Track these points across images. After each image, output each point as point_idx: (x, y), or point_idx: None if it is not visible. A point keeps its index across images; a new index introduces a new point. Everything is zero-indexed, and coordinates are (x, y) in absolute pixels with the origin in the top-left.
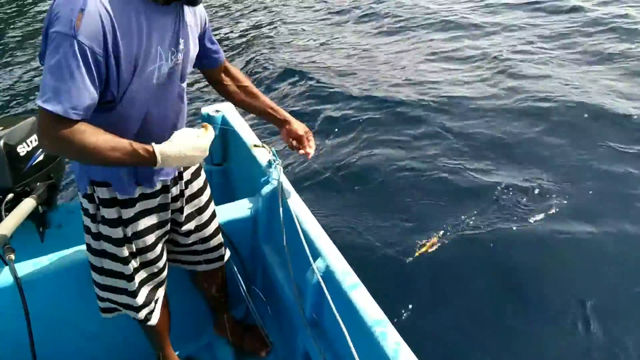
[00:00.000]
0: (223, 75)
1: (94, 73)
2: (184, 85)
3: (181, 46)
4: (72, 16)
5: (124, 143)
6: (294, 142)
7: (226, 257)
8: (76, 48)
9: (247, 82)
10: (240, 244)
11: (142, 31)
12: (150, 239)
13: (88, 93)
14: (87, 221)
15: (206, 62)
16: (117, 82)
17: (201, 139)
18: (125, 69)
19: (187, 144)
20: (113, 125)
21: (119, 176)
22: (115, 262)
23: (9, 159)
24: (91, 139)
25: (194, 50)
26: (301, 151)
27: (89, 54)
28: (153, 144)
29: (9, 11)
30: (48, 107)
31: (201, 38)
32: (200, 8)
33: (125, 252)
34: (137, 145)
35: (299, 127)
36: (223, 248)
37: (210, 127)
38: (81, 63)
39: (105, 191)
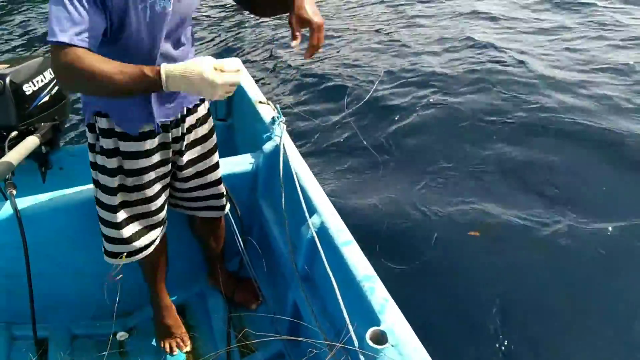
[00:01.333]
0: None
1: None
2: (187, 28)
3: None
4: None
5: (131, 66)
6: (297, 29)
7: (227, 208)
8: None
9: None
10: (239, 197)
11: None
12: (147, 176)
13: (90, 19)
14: (89, 152)
15: None
16: (109, 15)
17: (215, 74)
18: (117, 3)
19: (197, 69)
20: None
21: (120, 108)
22: (105, 193)
23: (15, 97)
24: (100, 64)
25: None
26: (294, 42)
27: None
28: (158, 66)
29: None
30: (54, 39)
31: None
32: None
33: (115, 183)
34: (144, 67)
35: (313, 14)
36: (225, 198)
37: (239, 70)
38: None
39: (105, 121)
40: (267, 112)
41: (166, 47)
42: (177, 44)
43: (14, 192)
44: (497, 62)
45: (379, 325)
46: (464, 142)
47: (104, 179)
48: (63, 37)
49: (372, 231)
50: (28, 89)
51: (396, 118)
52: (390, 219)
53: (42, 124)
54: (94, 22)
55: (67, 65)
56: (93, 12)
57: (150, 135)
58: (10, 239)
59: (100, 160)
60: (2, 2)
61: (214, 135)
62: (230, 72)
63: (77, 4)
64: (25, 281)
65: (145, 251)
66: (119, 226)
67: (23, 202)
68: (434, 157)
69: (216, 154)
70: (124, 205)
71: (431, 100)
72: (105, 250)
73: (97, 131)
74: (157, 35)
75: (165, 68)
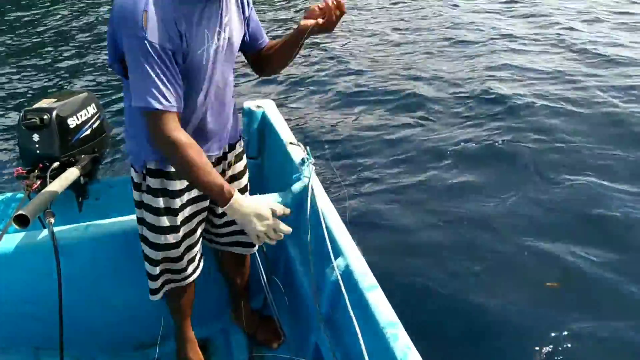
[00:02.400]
0: (263, 52)
1: (172, 64)
2: (233, 64)
3: (225, 24)
4: (139, 17)
5: (215, 174)
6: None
7: (256, 246)
8: (149, 48)
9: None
10: None
11: (191, 17)
12: (187, 212)
13: (172, 86)
14: (135, 191)
15: (249, 46)
16: (182, 63)
17: (267, 217)
18: (180, 54)
19: (256, 208)
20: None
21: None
22: (152, 231)
23: (59, 130)
24: (195, 156)
25: (239, 29)
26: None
27: (160, 52)
28: (233, 192)
29: None
30: (149, 106)
31: (247, 19)
32: None
33: (164, 222)
34: (225, 184)
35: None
36: None
37: (284, 211)
38: (157, 60)
39: (153, 163)
40: (297, 153)
41: (218, 82)
42: (226, 77)
43: (52, 220)
44: None
45: None
46: (533, 181)
47: (151, 218)
48: (156, 104)
49: (424, 277)
50: (72, 122)
51: (447, 159)
52: (451, 262)
53: (83, 155)
54: (177, 89)
55: (164, 136)
56: (175, 80)
57: None
58: (45, 267)
59: (147, 199)
60: (51, 37)
61: (247, 172)
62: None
63: (163, 67)
64: (56, 308)
65: (189, 279)
66: (180, 258)
67: (60, 231)
68: (495, 193)
69: (247, 191)
70: (172, 243)
71: (488, 140)
72: (150, 289)
73: (144, 171)
74: (214, 73)
75: (236, 197)
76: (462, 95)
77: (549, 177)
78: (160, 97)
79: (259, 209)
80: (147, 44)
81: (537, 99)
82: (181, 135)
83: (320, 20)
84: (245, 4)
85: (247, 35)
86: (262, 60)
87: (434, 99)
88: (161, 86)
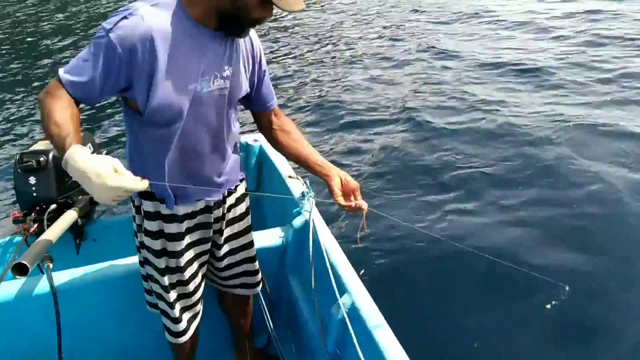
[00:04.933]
0: (274, 119)
1: (110, 69)
2: (233, 114)
3: (226, 72)
4: (117, 19)
5: (66, 127)
6: (343, 197)
7: (260, 286)
8: (104, 42)
9: (296, 132)
10: (268, 272)
11: (182, 49)
12: (188, 255)
13: (93, 81)
14: (137, 232)
15: (257, 105)
16: (146, 90)
17: (110, 177)
18: (162, 81)
19: (96, 166)
20: (163, 138)
21: (163, 190)
22: (155, 271)
23: (56, 172)
24: (53, 105)
25: (244, 80)
26: (348, 203)
27: (110, 51)
28: (75, 144)
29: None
30: (60, 72)
31: (257, 77)
32: (257, 42)
33: (162, 264)
34: (65, 134)
35: (351, 182)
36: (259, 275)
37: (127, 178)
38: (101, 55)
39: (150, 205)
40: (296, 186)
41: (211, 129)
42: (224, 126)
43: (51, 265)
44: None
45: None
46: None
47: (152, 259)
48: (61, 75)
49: None
50: None
51: (452, 183)
52: (463, 296)
53: (80, 197)
54: (94, 86)
55: (44, 94)
56: (102, 81)
57: (193, 215)
58: (45, 313)
59: (147, 241)
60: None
61: (249, 214)
62: (128, 178)
63: (92, 64)
64: (56, 355)
65: (189, 332)
66: (172, 305)
67: (58, 277)
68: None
69: (251, 232)
70: (173, 286)
71: None
72: (168, 329)
73: (142, 213)
74: (207, 117)
75: (73, 150)
76: (460, 120)
77: None
78: (73, 76)
79: (98, 166)
80: (105, 39)
81: None
82: (55, 99)
83: (340, 199)
84: (258, 62)
85: (254, 94)
86: (270, 130)
87: (435, 123)
88: (84, 74)
